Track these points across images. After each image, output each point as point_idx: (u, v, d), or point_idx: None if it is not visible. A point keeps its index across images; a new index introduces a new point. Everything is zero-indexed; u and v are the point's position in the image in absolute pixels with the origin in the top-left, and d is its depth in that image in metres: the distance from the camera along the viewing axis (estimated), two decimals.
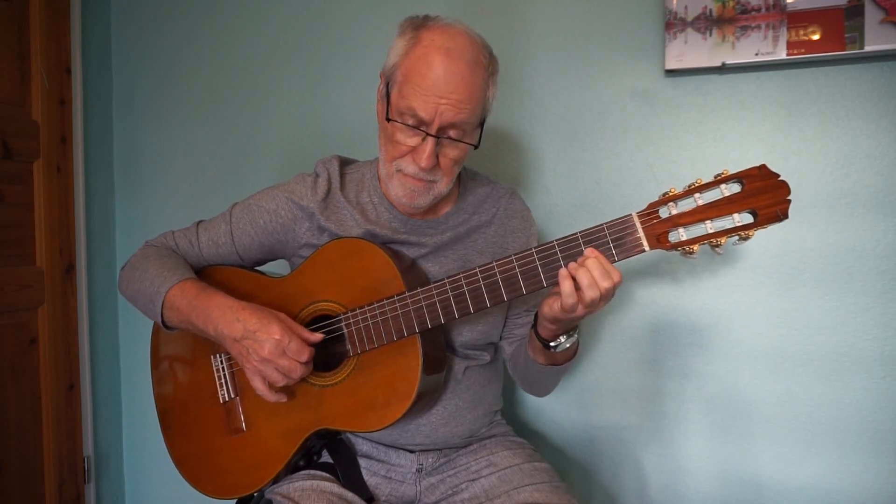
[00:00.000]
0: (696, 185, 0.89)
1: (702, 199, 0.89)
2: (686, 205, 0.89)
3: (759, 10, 1.27)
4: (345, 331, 1.04)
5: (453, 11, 1.03)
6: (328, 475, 1.07)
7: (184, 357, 1.20)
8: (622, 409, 1.48)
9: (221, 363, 1.15)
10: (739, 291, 1.37)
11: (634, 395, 1.47)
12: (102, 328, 1.91)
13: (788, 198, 0.85)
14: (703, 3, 1.31)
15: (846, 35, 1.22)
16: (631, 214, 0.91)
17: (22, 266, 1.68)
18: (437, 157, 1.01)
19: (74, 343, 1.82)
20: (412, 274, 1.06)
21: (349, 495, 1.04)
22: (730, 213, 0.87)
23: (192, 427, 1.18)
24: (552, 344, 1.01)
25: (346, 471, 1.08)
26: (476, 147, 1.04)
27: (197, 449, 1.16)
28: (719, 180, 0.88)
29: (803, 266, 1.33)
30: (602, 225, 0.91)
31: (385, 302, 1.01)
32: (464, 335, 1.11)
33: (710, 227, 0.88)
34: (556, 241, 0.93)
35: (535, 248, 0.94)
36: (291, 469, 1.10)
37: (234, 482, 1.12)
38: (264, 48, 1.75)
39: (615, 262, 0.90)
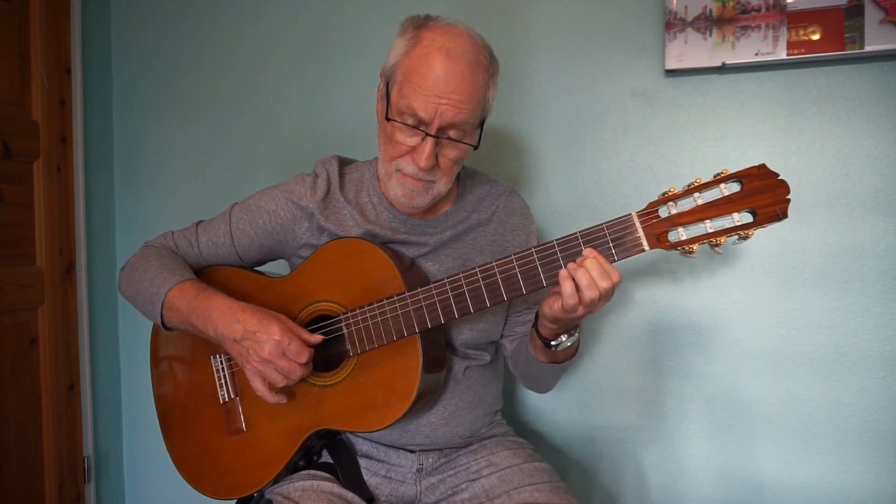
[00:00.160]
0: (696, 184, 0.89)
1: (701, 198, 0.89)
2: (685, 204, 0.89)
3: (759, 10, 1.27)
4: (344, 331, 1.04)
5: (453, 11, 1.03)
6: (328, 475, 1.07)
7: (183, 357, 1.20)
8: (622, 409, 1.48)
9: (221, 364, 1.15)
10: (739, 291, 1.37)
11: (634, 395, 1.47)
12: (102, 328, 1.91)
13: (788, 197, 0.85)
14: (703, 3, 1.31)
15: (846, 35, 1.22)
16: (630, 214, 0.91)
17: (22, 266, 1.68)
18: (437, 157, 1.00)
19: (74, 343, 1.82)
20: (412, 274, 1.06)
21: (349, 495, 1.04)
22: (729, 213, 0.87)
23: (192, 427, 1.18)
24: (553, 343, 1.01)
25: (346, 471, 1.08)
26: (476, 148, 1.03)
27: (197, 449, 1.16)
28: (718, 180, 0.88)
29: (803, 266, 1.33)
30: (602, 224, 0.91)
31: (385, 302, 1.01)
32: (464, 334, 1.11)
33: (709, 226, 0.88)
34: (556, 240, 0.93)
35: (534, 247, 0.94)
36: (291, 469, 1.10)
37: (234, 482, 1.12)
38: (264, 48, 1.75)
39: (615, 261, 0.90)
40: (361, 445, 1.15)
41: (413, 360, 1.00)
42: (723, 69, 1.34)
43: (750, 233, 0.86)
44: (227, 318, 1.00)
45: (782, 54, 1.26)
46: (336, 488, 1.04)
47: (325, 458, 1.13)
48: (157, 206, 1.90)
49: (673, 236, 0.90)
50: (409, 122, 0.98)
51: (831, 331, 1.32)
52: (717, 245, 0.89)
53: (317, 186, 1.12)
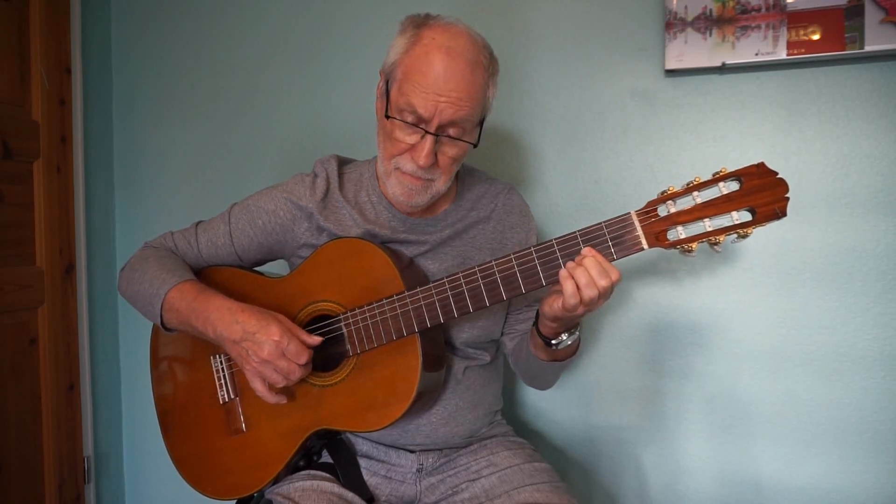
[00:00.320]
0: (695, 183, 0.89)
1: (700, 197, 0.89)
2: (684, 203, 0.89)
3: (759, 10, 1.27)
4: (344, 331, 1.04)
5: (453, 11, 1.03)
6: (328, 475, 1.07)
7: (183, 358, 1.20)
8: (622, 409, 1.48)
9: (221, 364, 1.15)
10: (739, 291, 1.37)
11: (634, 395, 1.47)
12: (102, 328, 1.91)
13: (787, 195, 0.85)
14: (703, 3, 1.31)
15: (846, 35, 1.22)
16: (630, 213, 0.91)
17: (22, 266, 1.68)
18: (436, 155, 1.00)
19: (74, 343, 1.82)
20: (410, 273, 1.05)
21: (349, 495, 1.04)
22: (728, 211, 0.87)
23: (191, 428, 1.18)
24: (554, 342, 1.01)
25: (346, 471, 1.08)
26: (475, 146, 1.04)
27: (197, 449, 1.16)
28: (717, 178, 0.88)
29: (803, 266, 1.33)
30: (601, 223, 0.91)
31: (384, 302, 1.01)
32: (465, 333, 1.11)
33: (708, 225, 0.88)
34: (555, 239, 0.93)
35: (533, 247, 0.94)
36: (291, 469, 1.10)
37: (234, 483, 1.12)
38: (264, 48, 1.75)
39: (614, 260, 0.90)
40: (361, 445, 1.14)
41: (413, 360, 1.00)
42: (723, 69, 1.34)
43: (749, 231, 0.86)
44: (226, 320, 1.00)
45: (782, 54, 1.26)
46: (336, 488, 1.04)
47: (325, 458, 1.13)
48: (157, 206, 1.90)
49: (672, 235, 0.90)
50: (409, 119, 0.98)
51: (831, 331, 1.32)
52: (716, 244, 0.88)
53: (316, 186, 1.12)
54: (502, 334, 1.20)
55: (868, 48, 1.21)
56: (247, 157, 1.79)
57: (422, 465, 1.12)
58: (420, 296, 0.99)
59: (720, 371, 1.40)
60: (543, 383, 1.23)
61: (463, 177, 1.18)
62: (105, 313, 1.92)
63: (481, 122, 1.05)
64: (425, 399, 1.05)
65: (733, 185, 0.88)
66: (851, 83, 1.28)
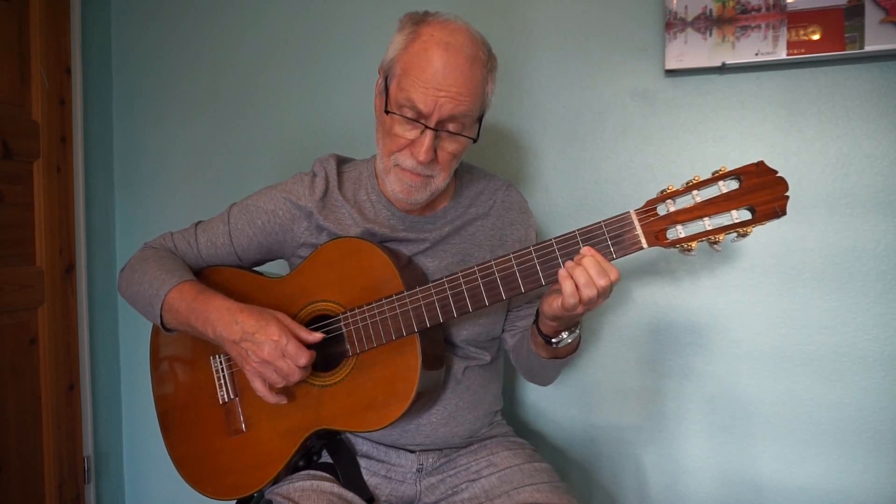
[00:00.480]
0: (694, 182, 0.89)
1: (700, 196, 0.88)
2: (684, 202, 0.89)
3: (759, 10, 1.27)
4: (343, 331, 1.04)
5: (453, 11, 1.03)
6: (328, 475, 1.07)
7: (183, 358, 1.20)
8: (622, 409, 1.48)
9: (221, 364, 1.15)
10: (739, 291, 1.37)
11: (634, 395, 1.46)
12: (102, 328, 1.91)
13: (786, 194, 0.85)
14: (703, 3, 1.31)
15: (846, 35, 1.22)
16: (629, 212, 0.91)
17: (22, 266, 1.68)
18: (436, 151, 1.00)
19: (74, 343, 1.82)
20: (409, 272, 1.05)
21: (349, 495, 1.04)
22: (728, 210, 0.87)
23: (191, 428, 1.17)
24: (554, 340, 1.01)
25: (346, 471, 1.08)
26: (475, 141, 1.04)
27: (197, 450, 1.16)
28: (717, 177, 0.88)
29: (803, 266, 1.33)
30: (600, 223, 0.91)
31: (384, 301, 1.01)
32: (465, 331, 1.11)
33: (708, 223, 0.88)
34: (555, 238, 0.93)
35: (533, 246, 0.94)
36: (291, 469, 1.10)
37: (234, 483, 1.12)
38: (264, 48, 1.75)
39: (613, 259, 0.90)
40: (361, 445, 1.14)
41: (412, 360, 1.00)
42: (723, 69, 1.34)
43: (749, 230, 0.86)
44: (225, 320, 1.00)
45: (782, 54, 1.26)
46: (336, 488, 1.04)
47: (325, 458, 1.13)
48: (157, 206, 1.90)
49: (671, 234, 0.89)
50: (409, 114, 0.98)
51: (831, 331, 1.32)
52: (715, 243, 0.88)
53: (315, 186, 1.12)
54: (503, 331, 1.20)
55: (868, 48, 1.21)
56: (247, 157, 1.79)
57: (422, 465, 1.12)
58: (420, 296, 0.99)
59: (720, 371, 1.39)
60: (544, 380, 1.23)
61: (461, 174, 1.18)
62: (105, 313, 1.92)
63: (480, 118, 1.05)
64: (425, 399, 1.05)
65: (733, 184, 0.88)
66: (851, 83, 1.28)
